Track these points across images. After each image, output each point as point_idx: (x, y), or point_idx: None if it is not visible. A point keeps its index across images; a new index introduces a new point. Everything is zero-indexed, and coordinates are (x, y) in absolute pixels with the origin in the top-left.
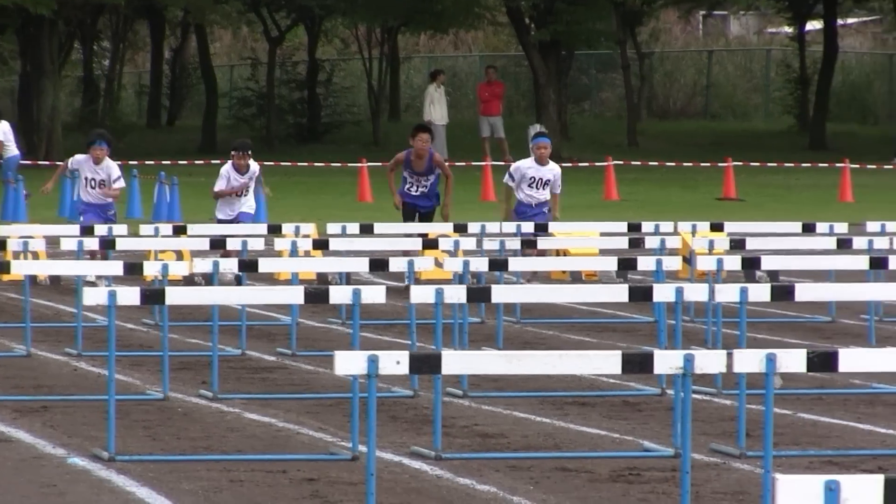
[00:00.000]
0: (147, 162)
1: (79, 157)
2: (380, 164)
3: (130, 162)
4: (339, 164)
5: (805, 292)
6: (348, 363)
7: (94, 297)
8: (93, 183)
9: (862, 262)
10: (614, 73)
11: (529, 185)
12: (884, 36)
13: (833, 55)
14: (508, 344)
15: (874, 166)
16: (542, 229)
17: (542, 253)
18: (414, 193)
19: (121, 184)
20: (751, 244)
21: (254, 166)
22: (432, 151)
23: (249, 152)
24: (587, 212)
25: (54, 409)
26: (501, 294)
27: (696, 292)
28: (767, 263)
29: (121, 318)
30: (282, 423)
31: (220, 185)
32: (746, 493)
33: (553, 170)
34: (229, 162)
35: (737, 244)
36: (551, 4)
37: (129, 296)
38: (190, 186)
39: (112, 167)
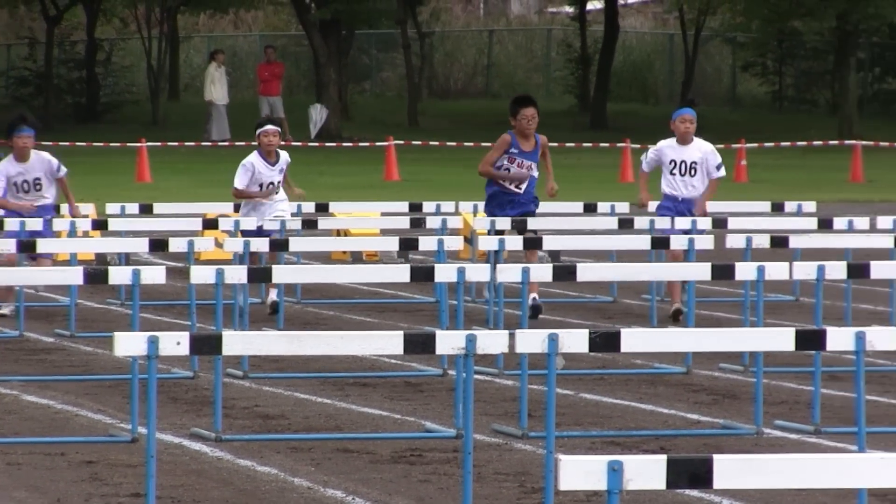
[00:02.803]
0: None
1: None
2: (159, 143)
3: None
4: (118, 145)
5: (587, 272)
6: (128, 344)
7: None
8: (25, 186)
9: (643, 242)
10: (395, 52)
11: (671, 172)
12: (664, 16)
13: (614, 35)
14: (289, 324)
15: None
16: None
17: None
18: (512, 189)
19: (63, 171)
20: (532, 224)
21: (284, 155)
22: (539, 138)
23: (280, 131)
24: (368, 192)
25: None
26: (282, 274)
27: (477, 272)
28: (549, 243)
29: None
30: (60, 406)
31: (242, 181)
32: (529, 473)
33: (701, 148)
34: (254, 153)
35: (518, 224)
36: None
37: None
38: None
39: (46, 158)
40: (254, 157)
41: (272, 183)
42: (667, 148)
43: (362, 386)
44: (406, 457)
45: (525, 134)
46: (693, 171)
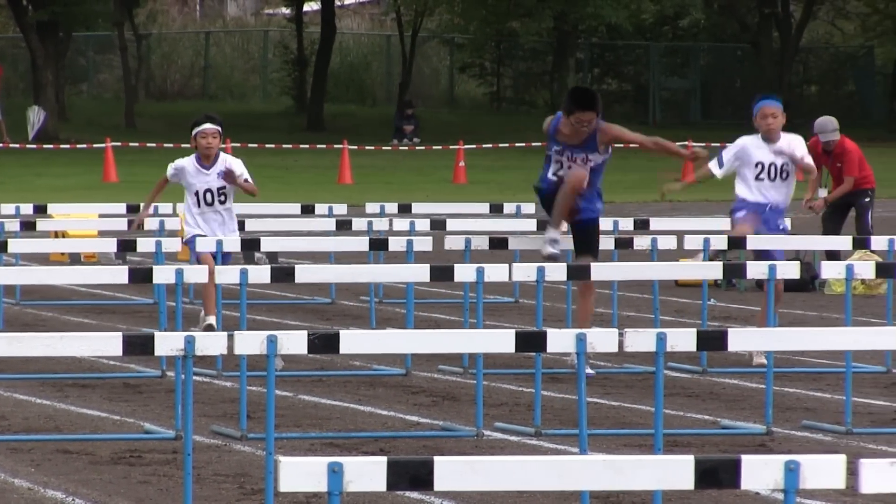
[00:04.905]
0: None
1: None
2: None
3: None
4: None
5: (305, 274)
6: None
7: None
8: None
9: (362, 244)
10: (112, 54)
11: (758, 177)
12: (381, 17)
13: (331, 36)
14: (9, 326)
15: (373, 147)
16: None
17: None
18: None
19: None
20: (250, 226)
21: (226, 158)
22: (600, 125)
23: (220, 130)
24: (86, 193)
25: None
26: (2, 276)
27: (196, 274)
28: (267, 245)
29: None
30: None
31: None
32: (248, 475)
33: (791, 143)
34: (191, 157)
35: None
36: None
37: None
38: None
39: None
40: (186, 160)
41: (209, 191)
42: (752, 147)
43: (81, 387)
44: (126, 458)
45: (577, 133)
46: (785, 174)
